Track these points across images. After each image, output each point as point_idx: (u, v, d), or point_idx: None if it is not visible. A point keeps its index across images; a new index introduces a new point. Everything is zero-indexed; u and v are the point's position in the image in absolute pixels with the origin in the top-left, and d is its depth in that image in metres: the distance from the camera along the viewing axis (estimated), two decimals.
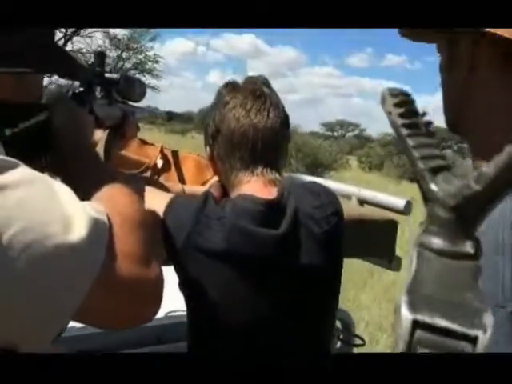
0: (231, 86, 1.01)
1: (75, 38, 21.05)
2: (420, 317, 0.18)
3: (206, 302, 0.89)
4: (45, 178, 0.54)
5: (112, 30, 22.57)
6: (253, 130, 0.94)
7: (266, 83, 1.02)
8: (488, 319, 0.17)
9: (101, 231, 0.53)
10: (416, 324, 0.18)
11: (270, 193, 0.93)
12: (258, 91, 0.97)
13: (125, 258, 0.55)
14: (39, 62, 0.69)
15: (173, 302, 0.97)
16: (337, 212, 0.94)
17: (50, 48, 0.73)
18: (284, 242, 0.88)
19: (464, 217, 0.19)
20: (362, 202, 1.60)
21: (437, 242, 0.19)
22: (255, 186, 0.94)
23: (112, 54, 22.53)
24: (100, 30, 21.68)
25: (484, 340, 0.18)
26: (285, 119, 0.99)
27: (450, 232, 0.19)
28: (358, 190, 1.61)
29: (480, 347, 0.18)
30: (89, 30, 21.41)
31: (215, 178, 1.16)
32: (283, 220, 0.89)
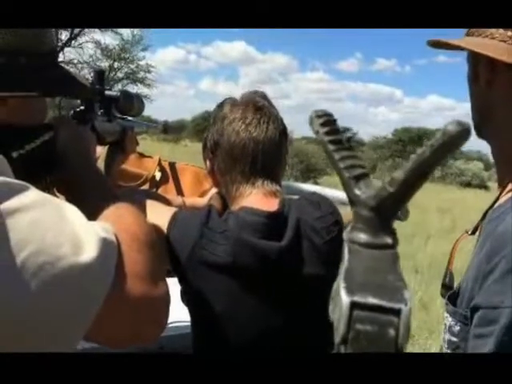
0: (230, 101, 1.02)
1: (66, 49, 20.97)
2: (356, 298, 0.22)
3: (210, 314, 0.89)
4: (54, 199, 0.54)
5: (103, 41, 22.55)
6: (253, 143, 0.94)
7: (264, 96, 1.03)
8: (407, 294, 0.22)
9: (110, 251, 0.53)
10: (353, 305, 0.23)
11: (271, 204, 0.93)
12: (256, 105, 0.98)
13: (133, 277, 0.54)
14: (44, 85, 0.70)
15: (175, 312, 1.02)
16: (337, 222, 0.95)
17: (54, 70, 0.74)
18: (287, 254, 0.89)
19: (382, 214, 0.25)
20: None
21: (362, 236, 0.25)
22: (256, 198, 0.95)
23: (104, 64, 22.43)
24: (91, 40, 21.61)
25: (406, 311, 0.22)
26: (283, 131, 0.99)
27: (373, 228, 0.25)
28: None
29: (403, 317, 0.22)
30: (80, 40, 21.34)
31: (214, 190, 1.17)
32: (285, 232, 0.90)
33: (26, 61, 0.67)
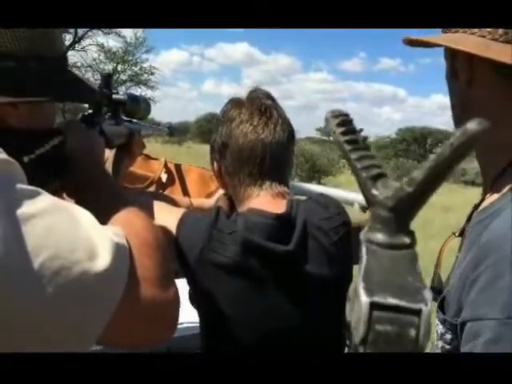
0: (236, 102, 1.01)
1: (70, 52, 21.05)
2: (376, 299, 0.22)
3: (219, 315, 0.90)
4: (67, 204, 0.54)
5: (106, 43, 22.65)
6: (261, 145, 0.94)
7: (270, 96, 1.02)
8: (427, 294, 0.22)
9: (122, 256, 0.53)
10: (373, 305, 0.22)
11: (279, 206, 0.94)
12: (263, 106, 0.98)
13: (145, 282, 0.55)
14: (54, 90, 0.70)
15: (183, 313, 1.02)
16: (345, 223, 0.95)
17: (64, 74, 0.74)
18: (294, 255, 0.89)
19: (400, 214, 0.24)
20: (365, 208, 1.62)
21: (380, 237, 0.25)
22: (264, 199, 0.95)
23: (107, 66, 22.54)
24: (94, 43, 21.71)
25: (426, 311, 0.22)
26: (290, 132, 0.99)
27: (390, 228, 0.24)
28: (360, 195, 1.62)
29: (424, 317, 0.22)
30: (83, 43, 21.45)
31: (220, 191, 1.17)
32: (293, 233, 0.90)
33: (36, 65, 0.66)
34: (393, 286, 0.22)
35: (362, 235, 0.25)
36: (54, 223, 0.49)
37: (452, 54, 0.78)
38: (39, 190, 0.51)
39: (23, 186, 0.49)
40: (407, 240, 0.24)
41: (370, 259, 0.24)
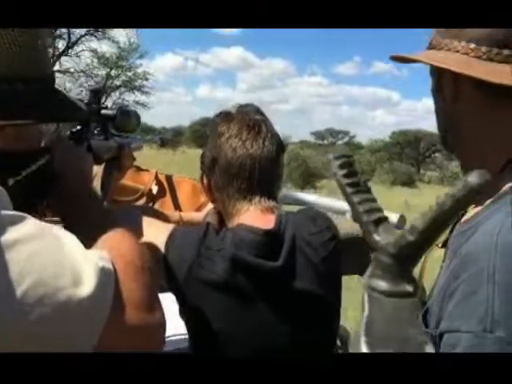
0: (225, 116, 1.01)
1: (63, 58, 21.03)
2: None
3: (208, 332, 0.90)
4: (52, 229, 0.54)
5: (100, 49, 22.59)
6: (249, 160, 0.95)
7: (259, 111, 1.03)
8: (429, 349, 0.21)
9: (108, 280, 0.53)
10: None
11: (268, 220, 0.94)
12: (251, 120, 0.98)
13: (130, 306, 0.55)
14: (41, 112, 0.70)
15: (171, 327, 1.02)
16: (334, 237, 0.95)
17: (51, 95, 0.73)
18: (283, 272, 0.89)
19: (402, 262, 0.24)
20: None
21: (382, 284, 0.24)
22: (253, 214, 0.95)
23: (101, 72, 22.51)
24: (88, 49, 21.68)
25: None
26: (279, 146, 1.00)
27: (392, 275, 0.24)
28: None
29: None
30: (77, 49, 21.41)
31: (211, 204, 1.15)
32: (282, 249, 0.90)
33: (23, 87, 0.66)
34: (395, 340, 0.21)
35: (365, 280, 0.24)
36: (39, 249, 0.49)
37: (437, 71, 0.80)
38: (24, 215, 0.51)
39: (7, 213, 0.50)
40: (409, 288, 0.24)
41: (372, 308, 0.23)
